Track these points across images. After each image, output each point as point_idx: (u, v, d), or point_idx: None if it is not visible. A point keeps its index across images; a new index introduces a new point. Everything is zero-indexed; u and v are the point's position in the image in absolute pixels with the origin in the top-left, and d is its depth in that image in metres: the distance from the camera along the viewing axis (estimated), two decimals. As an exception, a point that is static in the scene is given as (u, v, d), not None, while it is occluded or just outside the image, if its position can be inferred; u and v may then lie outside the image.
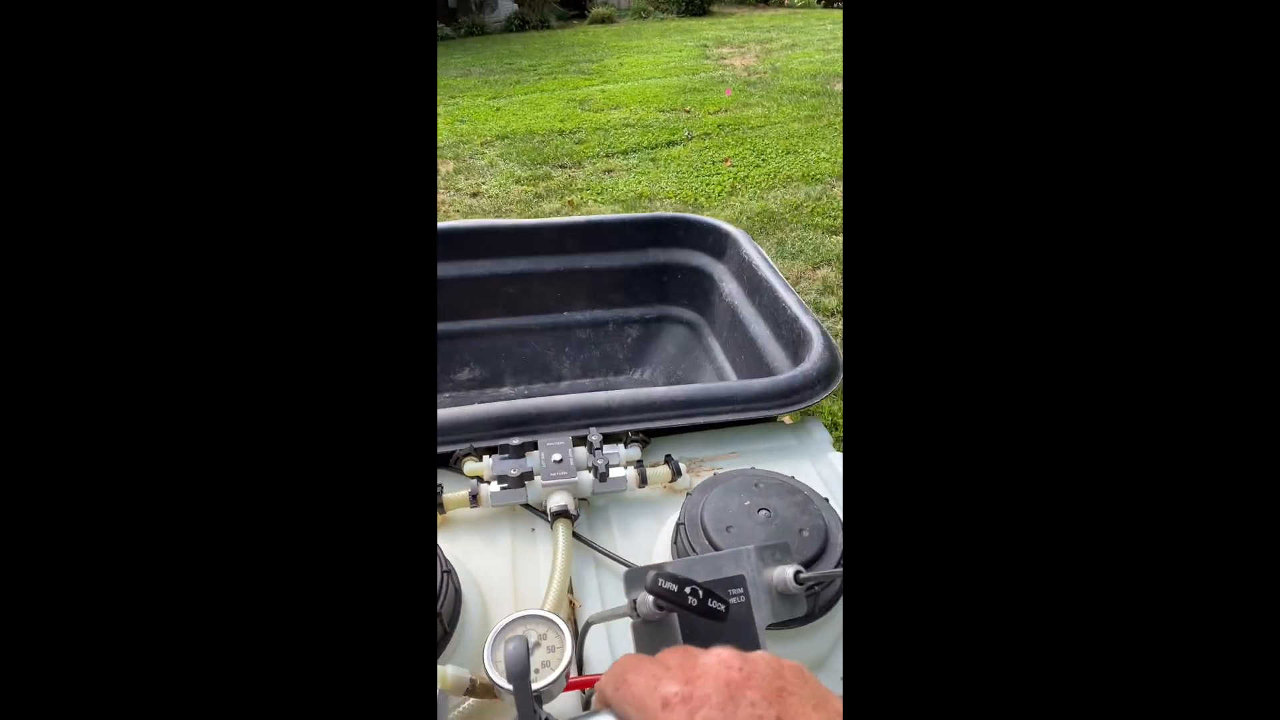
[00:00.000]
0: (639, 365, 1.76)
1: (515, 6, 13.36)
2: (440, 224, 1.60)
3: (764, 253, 1.46)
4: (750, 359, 1.38)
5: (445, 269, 1.61)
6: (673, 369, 1.71)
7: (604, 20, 13.05)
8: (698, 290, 1.67)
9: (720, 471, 0.84)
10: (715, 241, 1.62)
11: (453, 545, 0.83)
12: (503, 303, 1.67)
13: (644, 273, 1.70)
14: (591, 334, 1.74)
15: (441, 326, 1.65)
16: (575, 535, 0.83)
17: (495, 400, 1.50)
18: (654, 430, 0.97)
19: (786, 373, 1.02)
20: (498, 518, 0.87)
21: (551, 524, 0.82)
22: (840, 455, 0.98)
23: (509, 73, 8.89)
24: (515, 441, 0.88)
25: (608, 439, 0.93)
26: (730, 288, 1.53)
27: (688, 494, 0.79)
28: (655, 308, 1.74)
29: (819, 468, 0.98)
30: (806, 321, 1.15)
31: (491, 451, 0.90)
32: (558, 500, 0.83)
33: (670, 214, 1.68)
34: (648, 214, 1.71)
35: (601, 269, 1.68)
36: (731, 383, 1.02)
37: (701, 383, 1.57)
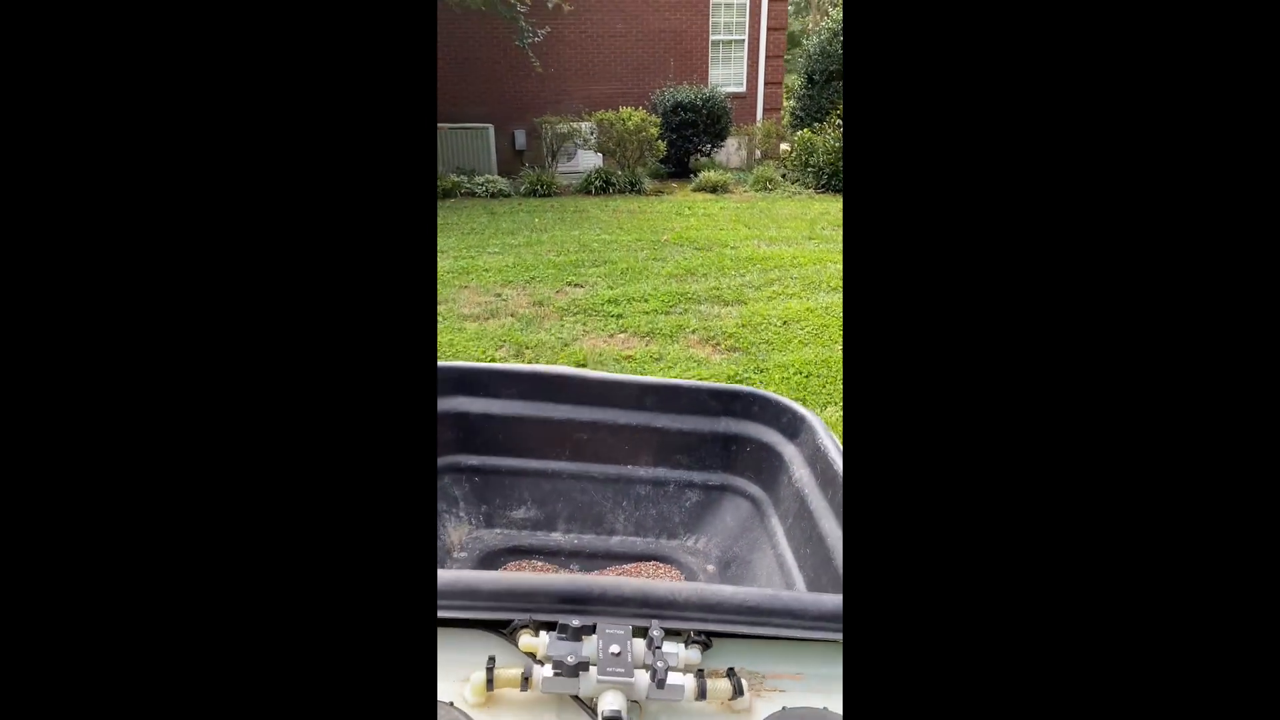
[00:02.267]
0: (695, 532, 1.75)
1: (599, 159, 10.04)
2: (525, 367, 1.68)
3: (839, 444, 1.43)
4: (817, 556, 1.34)
5: (524, 408, 1.64)
6: (730, 543, 1.70)
7: (715, 189, 8.95)
8: (765, 466, 1.67)
9: (789, 709, 0.82)
10: (789, 422, 1.63)
11: None
12: (570, 448, 1.69)
13: (713, 439, 1.72)
14: (651, 491, 1.75)
15: (506, 463, 1.67)
16: None
17: (545, 543, 1.64)
18: (718, 632, 0.92)
19: None
20: (545, 704, 0.84)
21: None
22: None
23: (579, 282, 5.25)
24: (575, 623, 0.84)
25: (668, 634, 0.88)
26: (801, 473, 1.52)
27: None
28: (719, 475, 1.75)
29: None
30: None
31: (550, 626, 0.86)
32: (611, 702, 0.80)
33: (747, 388, 1.72)
34: (724, 384, 1.76)
35: (672, 429, 1.71)
36: (804, 594, 0.97)
37: (759, 564, 1.55)
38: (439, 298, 4.53)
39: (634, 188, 9.17)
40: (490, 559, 1.64)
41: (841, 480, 1.31)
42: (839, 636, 0.91)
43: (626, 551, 1.74)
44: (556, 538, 1.72)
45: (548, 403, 1.67)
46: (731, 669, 0.88)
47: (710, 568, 1.71)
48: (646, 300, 4.80)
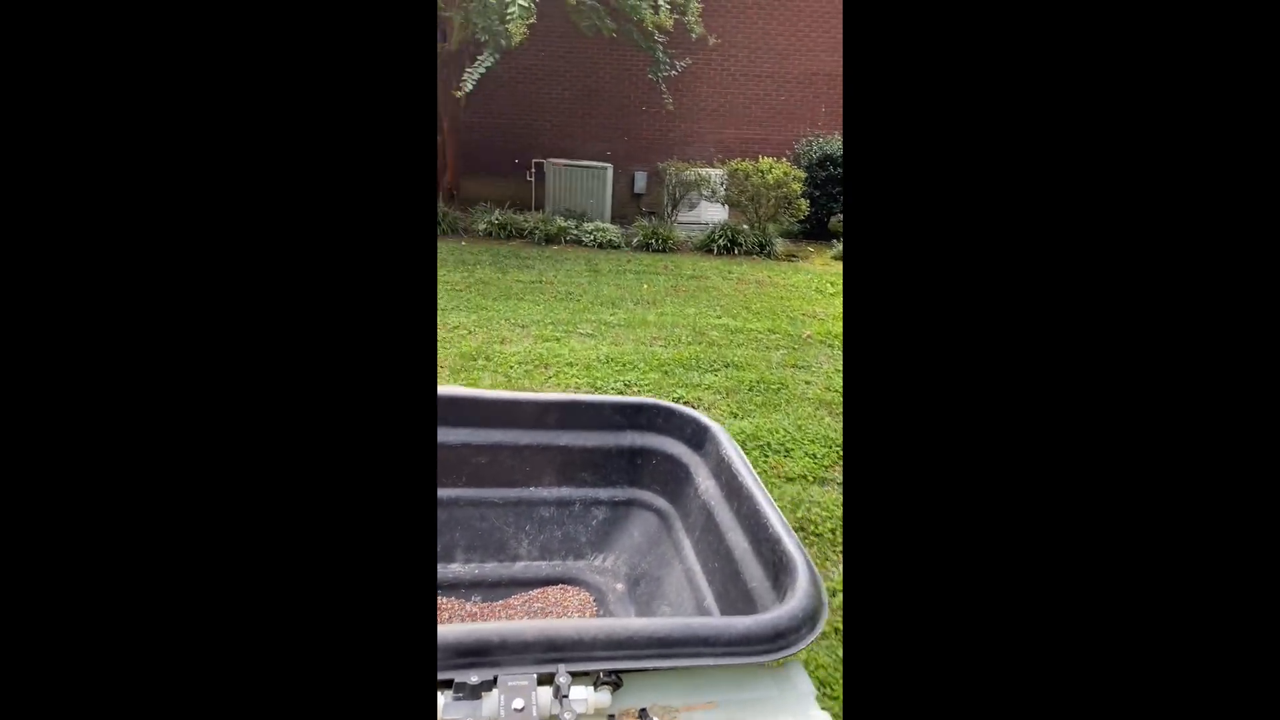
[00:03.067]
0: (602, 550, 1.69)
1: (724, 212, 8.68)
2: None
3: (745, 456, 1.39)
4: (725, 570, 1.28)
5: None
6: (638, 560, 1.62)
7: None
8: (671, 479, 1.60)
9: None
10: (694, 433, 1.57)
11: None
12: (468, 473, 1.64)
13: (618, 454, 1.66)
14: (555, 513, 1.69)
15: None
16: None
17: (443, 576, 1.57)
18: (628, 669, 0.85)
19: (771, 612, 0.92)
20: None
21: None
22: (826, 715, 0.87)
23: (691, 399, 3.69)
24: (474, 679, 0.79)
25: (576, 676, 0.83)
26: (707, 485, 1.46)
27: None
28: (626, 490, 1.68)
29: None
30: (790, 545, 1.06)
31: (446, 685, 0.80)
32: None
33: (652, 400, 1.66)
34: (629, 398, 1.71)
35: (575, 446, 1.65)
36: (714, 620, 0.94)
37: (668, 580, 1.48)
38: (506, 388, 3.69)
39: (763, 249, 7.70)
40: None
41: (745, 492, 1.27)
42: (753, 659, 0.88)
43: (531, 577, 1.65)
44: (455, 569, 1.65)
45: (441, 427, 1.59)
46: (644, 710, 0.83)
47: (619, 586, 1.61)
48: (787, 450, 3.16)
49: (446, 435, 1.61)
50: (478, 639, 0.83)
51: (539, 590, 1.64)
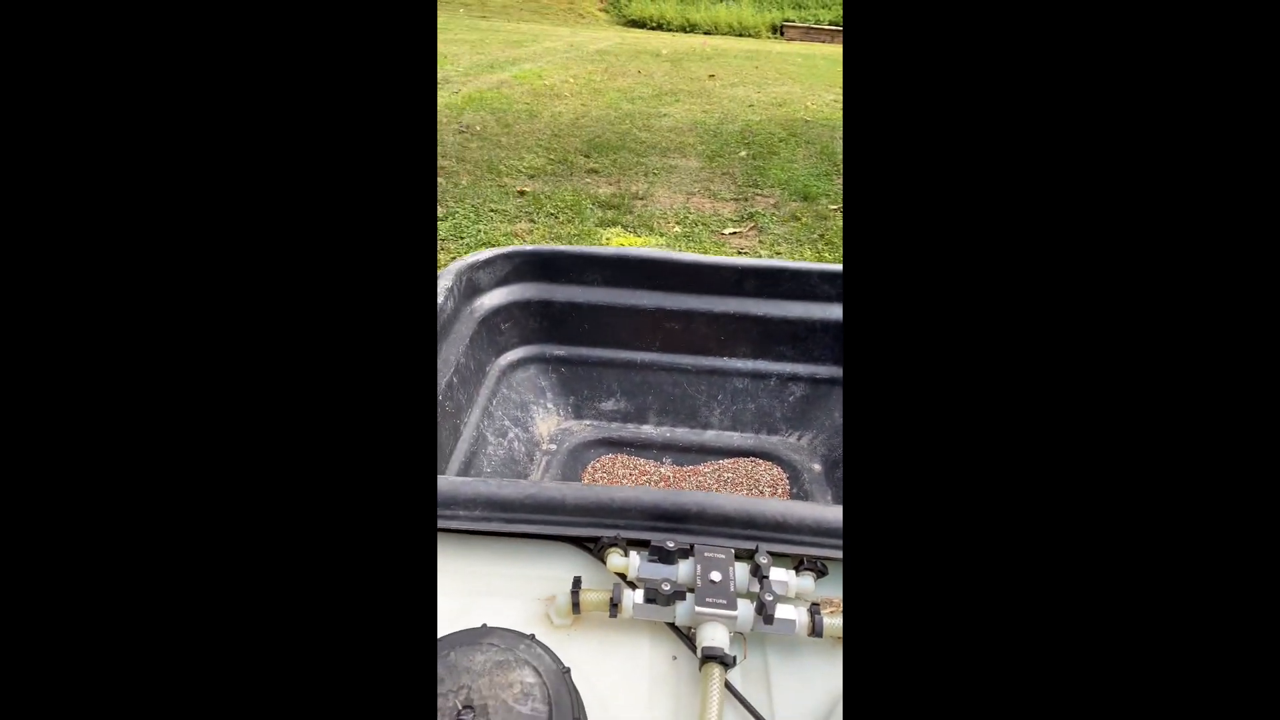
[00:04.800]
0: (798, 429, 1.61)
1: None
2: (610, 249, 1.59)
3: None
4: None
5: (608, 295, 1.58)
6: (837, 442, 1.52)
7: None
8: None
9: None
10: None
11: (581, 650, 0.73)
12: (661, 338, 1.61)
13: (823, 328, 1.54)
14: (750, 385, 1.63)
15: (593, 353, 1.64)
16: (727, 685, 0.69)
17: (636, 435, 1.58)
18: (835, 558, 0.80)
19: None
20: (637, 627, 0.77)
21: (701, 665, 0.70)
22: None
23: None
24: (670, 545, 0.77)
25: (776, 557, 0.79)
26: None
27: None
28: (829, 367, 1.58)
29: None
30: None
31: (642, 545, 0.80)
32: (711, 635, 0.71)
33: None
34: (838, 265, 1.54)
35: (775, 318, 1.55)
36: None
37: None
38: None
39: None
40: (580, 451, 1.60)
41: None
42: None
43: (723, 446, 1.61)
44: (648, 430, 1.65)
45: (636, 289, 1.57)
46: None
47: (816, 467, 1.53)
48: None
49: (640, 298, 1.58)
50: (675, 504, 0.80)
51: (730, 460, 1.60)
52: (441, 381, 1.31)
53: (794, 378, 1.61)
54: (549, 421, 1.65)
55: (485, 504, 0.81)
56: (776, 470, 1.56)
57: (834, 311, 1.54)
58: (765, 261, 1.56)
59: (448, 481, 0.83)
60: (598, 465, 1.60)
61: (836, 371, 1.58)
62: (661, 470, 1.59)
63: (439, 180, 4.18)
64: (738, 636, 0.74)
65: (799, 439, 1.61)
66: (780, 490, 1.52)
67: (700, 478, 1.57)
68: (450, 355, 1.37)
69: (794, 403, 1.62)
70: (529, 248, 1.56)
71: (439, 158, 4.50)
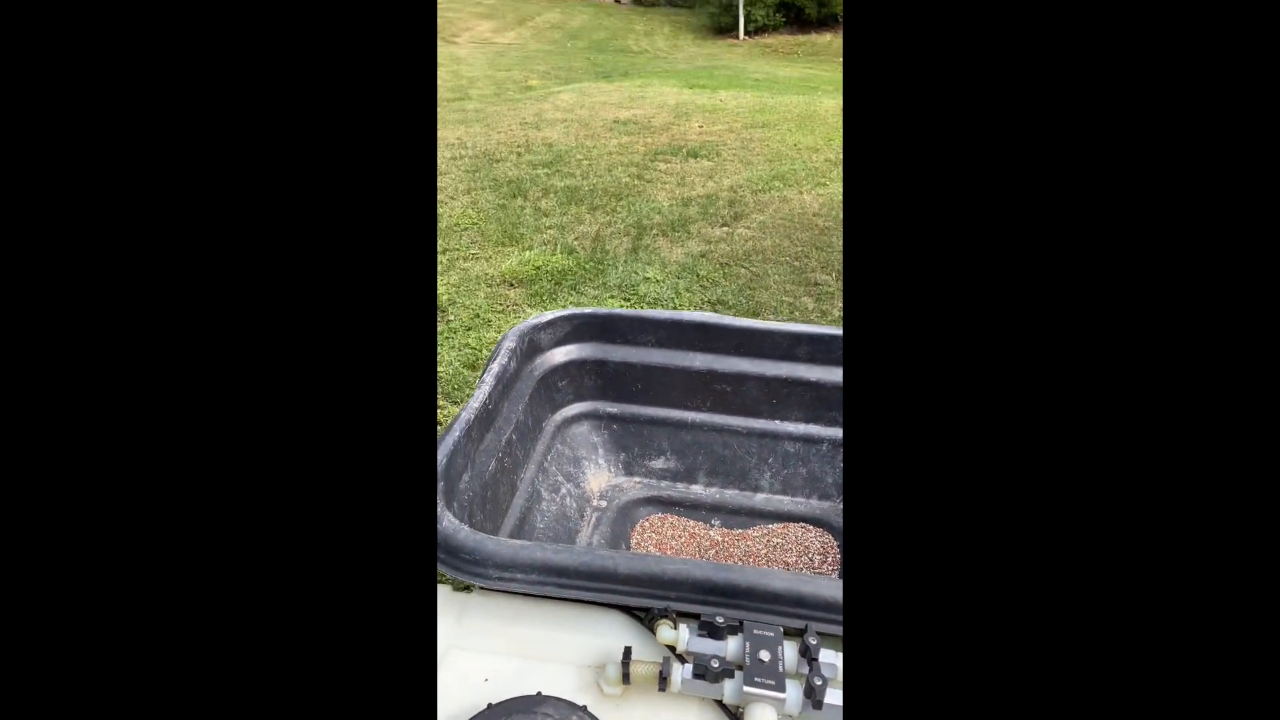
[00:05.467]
0: None
1: None
2: (664, 313, 1.62)
3: None
4: None
5: (661, 355, 1.61)
6: None
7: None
8: None
9: None
10: None
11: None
12: (712, 399, 1.63)
13: None
14: (801, 449, 1.62)
15: (645, 411, 1.66)
16: None
17: (685, 495, 1.61)
18: None
19: None
20: (686, 702, 0.77)
21: None
22: None
23: None
24: (719, 620, 0.78)
25: (825, 638, 0.78)
26: None
27: None
28: None
29: None
30: None
31: (692, 617, 0.81)
32: (760, 716, 0.72)
33: None
34: None
35: (828, 383, 1.55)
36: None
37: None
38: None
39: None
40: (629, 509, 1.62)
41: None
42: None
43: (774, 510, 1.61)
44: (697, 490, 1.65)
45: (688, 351, 1.60)
46: None
47: None
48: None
49: (692, 360, 1.59)
50: (726, 580, 0.81)
51: (780, 525, 1.59)
52: (501, 438, 1.35)
53: None
54: (600, 478, 1.66)
55: (541, 569, 0.83)
56: (828, 538, 1.54)
57: None
58: (819, 328, 1.56)
59: (508, 545, 0.85)
60: (647, 525, 1.60)
61: None
62: (711, 534, 1.58)
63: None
64: (786, 718, 0.74)
65: None
66: (830, 559, 1.50)
67: (749, 542, 1.56)
68: (511, 413, 1.41)
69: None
70: (587, 310, 1.60)
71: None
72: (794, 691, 0.73)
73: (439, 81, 8.40)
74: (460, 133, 6.19)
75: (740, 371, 1.58)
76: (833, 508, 1.59)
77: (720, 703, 0.76)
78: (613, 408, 1.66)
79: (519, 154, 5.60)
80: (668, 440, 1.67)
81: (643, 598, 0.81)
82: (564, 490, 1.56)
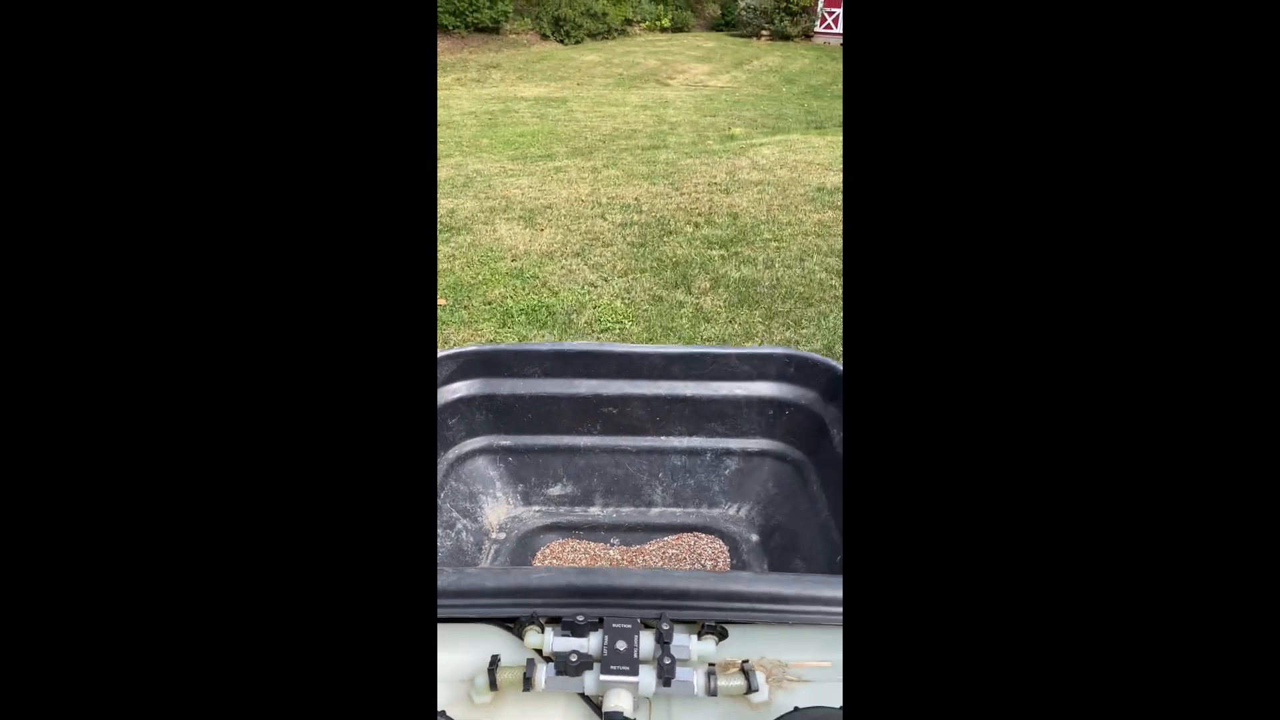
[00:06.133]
0: (735, 500, 1.69)
1: None
2: (546, 345, 1.68)
3: None
4: None
5: (550, 385, 1.66)
6: (772, 511, 1.63)
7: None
8: (805, 430, 1.58)
9: (803, 709, 0.77)
10: (829, 383, 1.53)
11: None
12: (601, 422, 1.69)
13: (748, 404, 1.64)
14: (687, 461, 1.71)
15: (538, 441, 1.70)
16: None
17: (584, 519, 1.67)
18: (736, 620, 0.88)
19: None
20: (553, 700, 0.83)
21: None
22: None
23: None
24: (580, 618, 0.83)
25: (682, 624, 0.86)
26: (842, 436, 1.44)
27: None
28: (758, 440, 1.67)
29: None
30: None
31: (557, 621, 0.86)
32: (615, 701, 0.78)
33: (781, 349, 1.63)
34: (757, 348, 1.69)
35: (703, 397, 1.65)
36: (828, 576, 0.90)
37: (803, 533, 1.49)
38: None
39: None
40: (529, 538, 1.67)
41: None
42: None
43: (668, 523, 1.70)
44: (595, 512, 1.72)
45: (573, 378, 1.66)
46: (746, 661, 0.85)
47: (754, 537, 1.63)
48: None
49: (578, 386, 1.65)
50: (587, 582, 0.86)
51: (674, 536, 1.66)
52: None
53: (727, 452, 1.68)
54: (499, 510, 1.69)
55: None
56: (718, 544, 1.63)
57: (756, 389, 1.62)
58: (688, 348, 1.64)
59: None
60: (548, 551, 1.64)
61: (766, 444, 1.66)
62: (610, 553, 1.64)
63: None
64: (643, 701, 0.80)
65: (737, 510, 1.68)
66: (721, 563, 1.58)
67: (646, 556, 1.63)
68: None
69: (729, 476, 1.69)
70: (471, 348, 1.62)
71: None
72: (648, 675, 0.79)
73: (640, 126, 7.95)
74: (640, 190, 5.48)
75: (624, 393, 1.65)
76: (720, 514, 1.68)
77: (583, 695, 0.81)
78: (506, 440, 1.70)
79: (696, 225, 4.74)
80: (563, 467, 1.72)
81: (511, 608, 0.86)
82: (459, 526, 1.57)
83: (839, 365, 1.52)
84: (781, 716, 0.75)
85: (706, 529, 1.66)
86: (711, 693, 0.79)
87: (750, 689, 0.80)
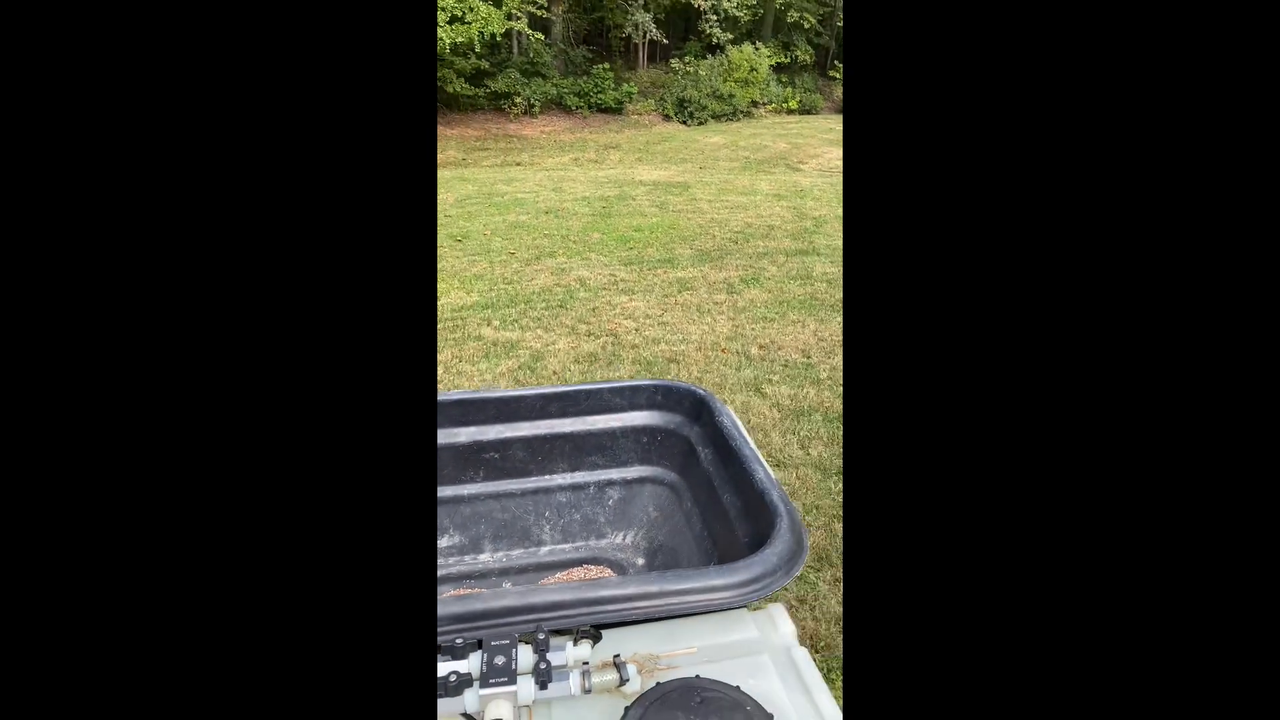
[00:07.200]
0: (621, 528, 1.76)
1: None
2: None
3: (737, 420, 1.47)
4: (724, 531, 1.37)
5: None
6: (655, 533, 1.70)
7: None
8: (676, 452, 1.68)
9: (664, 682, 0.84)
10: (692, 406, 1.64)
11: None
12: (484, 469, 1.73)
13: (622, 435, 1.72)
14: (572, 497, 1.77)
15: None
16: None
17: (474, 567, 1.68)
18: (607, 624, 0.96)
19: (745, 558, 1.00)
20: None
21: None
22: (805, 651, 0.95)
23: None
24: (459, 641, 0.88)
25: (557, 633, 0.92)
26: (706, 453, 1.55)
27: (626, 708, 0.80)
28: (636, 468, 1.75)
29: (779, 667, 0.93)
30: (774, 497, 1.15)
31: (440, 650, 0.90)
32: (495, 711, 0.82)
33: (648, 380, 1.72)
34: (624, 381, 1.76)
35: (581, 432, 1.72)
36: (687, 570, 0.99)
37: (682, 548, 1.56)
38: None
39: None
40: None
41: (737, 454, 1.35)
42: (728, 606, 0.95)
43: (558, 560, 1.74)
44: (485, 559, 1.74)
45: (452, 428, 1.69)
46: (617, 655, 0.91)
47: (640, 561, 1.69)
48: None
49: (456, 436, 1.70)
50: (467, 609, 0.90)
51: (565, 572, 1.71)
52: None
53: (609, 483, 1.75)
54: None
55: None
56: (608, 573, 1.67)
57: (630, 419, 1.70)
58: (561, 386, 1.70)
59: None
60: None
61: (644, 471, 1.73)
62: None
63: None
64: (524, 710, 0.85)
65: (623, 538, 1.73)
66: None
67: None
68: None
69: (613, 505, 1.75)
70: None
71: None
72: (526, 683, 0.84)
73: (777, 221, 6.74)
74: (805, 330, 3.63)
75: (504, 437, 1.70)
76: (608, 544, 1.73)
77: (466, 716, 0.85)
78: None
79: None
80: (449, 518, 1.74)
81: None
82: None
83: (699, 389, 1.64)
84: (644, 693, 0.82)
85: (595, 560, 1.72)
86: (587, 690, 0.85)
87: (623, 680, 0.86)
